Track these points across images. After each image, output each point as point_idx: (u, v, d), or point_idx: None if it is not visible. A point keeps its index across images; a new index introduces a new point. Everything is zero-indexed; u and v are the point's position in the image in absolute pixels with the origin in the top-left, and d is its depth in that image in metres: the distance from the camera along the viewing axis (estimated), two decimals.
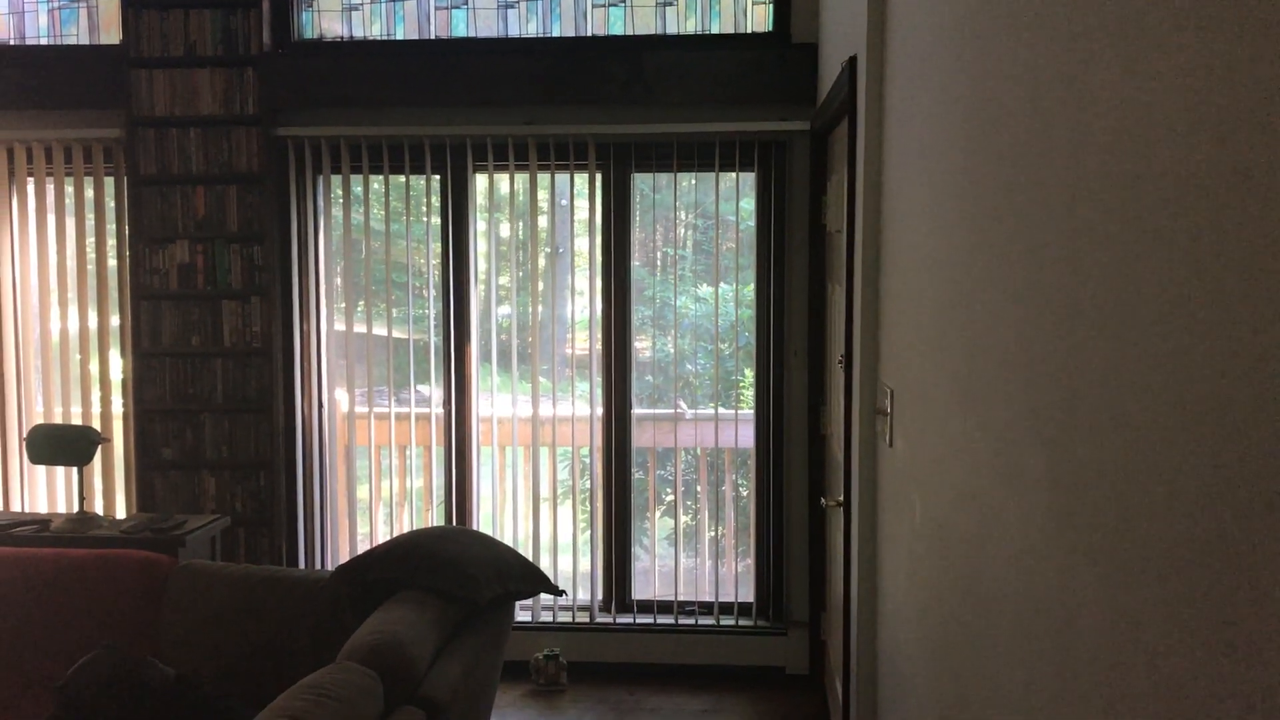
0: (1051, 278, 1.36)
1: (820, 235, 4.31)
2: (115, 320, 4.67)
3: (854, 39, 3.12)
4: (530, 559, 3.79)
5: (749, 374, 4.70)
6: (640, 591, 4.75)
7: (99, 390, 4.70)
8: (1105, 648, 1.17)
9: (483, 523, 4.73)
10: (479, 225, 4.63)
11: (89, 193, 4.65)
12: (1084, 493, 1.23)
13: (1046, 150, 1.39)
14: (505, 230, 4.66)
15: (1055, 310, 1.34)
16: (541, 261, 4.60)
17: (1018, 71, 1.54)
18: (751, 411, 4.64)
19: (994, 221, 1.65)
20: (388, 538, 4.71)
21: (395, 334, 4.71)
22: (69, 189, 4.66)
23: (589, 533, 4.69)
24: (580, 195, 4.69)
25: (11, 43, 4.64)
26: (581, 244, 4.76)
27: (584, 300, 4.71)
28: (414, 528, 4.76)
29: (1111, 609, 1.15)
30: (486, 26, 4.50)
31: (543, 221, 4.60)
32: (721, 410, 4.60)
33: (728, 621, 4.61)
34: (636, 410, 4.67)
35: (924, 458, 2.18)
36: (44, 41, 4.64)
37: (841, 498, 3.38)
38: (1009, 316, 1.55)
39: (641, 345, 4.77)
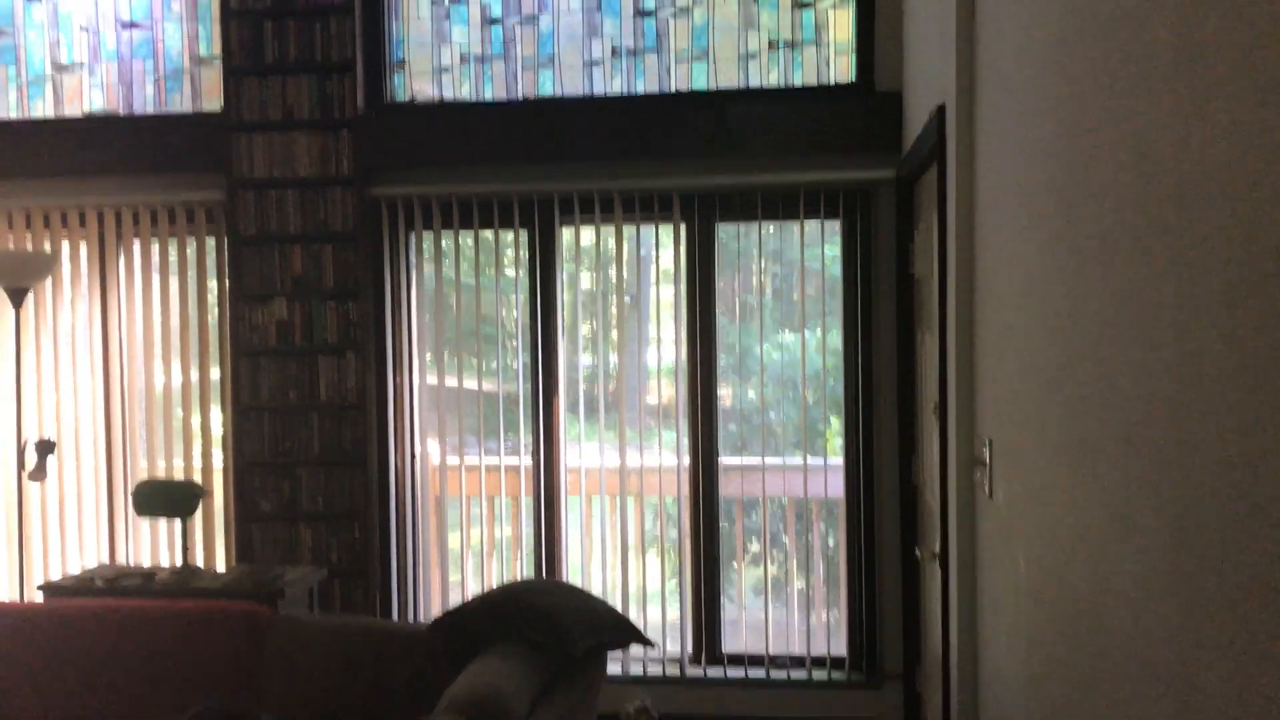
0: (1163, 324, 1.34)
1: (908, 282, 4.29)
2: (215, 374, 4.81)
3: (941, 87, 3.12)
4: (619, 609, 3.79)
5: (835, 422, 4.67)
6: (729, 643, 4.71)
7: (200, 444, 4.84)
8: (1230, 714, 1.13)
9: (571, 572, 4.75)
10: (563, 276, 4.70)
11: (191, 252, 4.82)
12: (1206, 549, 1.21)
13: (1149, 196, 1.37)
14: (586, 281, 4.72)
15: (1168, 357, 1.32)
16: (618, 310, 4.64)
17: (1117, 118, 1.53)
18: (839, 460, 4.59)
19: (1098, 268, 1.63)
20: (478, 587, 4.76)
21: (484, 386, 4.78)
22: (173, 249, 4.83)
23: (675, 582, 4.67)
24: (663, 245, 4.73)
25: (121, 113, 4.85)
26: (660, 292, 4.78)
27: (663, 348, 4.72)
28: (503, 577, 4.79)
29: (1238, 672, 1.12)
30: (572, 85, 4.59)
31: (622, 270, 4.66)
32: (810, 460, 4.57)
33: (820, 675, 4.54)
34: (723, 459, 4.66)
35: (1028, 510, 2.14)
36: (150, 111, 4.85)
37: (938, 549, 3.32)
38: (1120, 365, 1.53)
39: (723, 393, 4.77)
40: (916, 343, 4.15)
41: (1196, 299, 1.23)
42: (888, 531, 4.45)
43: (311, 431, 4.60)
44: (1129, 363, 1.48)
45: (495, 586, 3.31)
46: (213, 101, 4.78)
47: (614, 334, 4.67)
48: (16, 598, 4.70)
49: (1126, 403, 1.49)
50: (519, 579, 4.78)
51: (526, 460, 4.72)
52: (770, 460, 4.62)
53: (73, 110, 4.90)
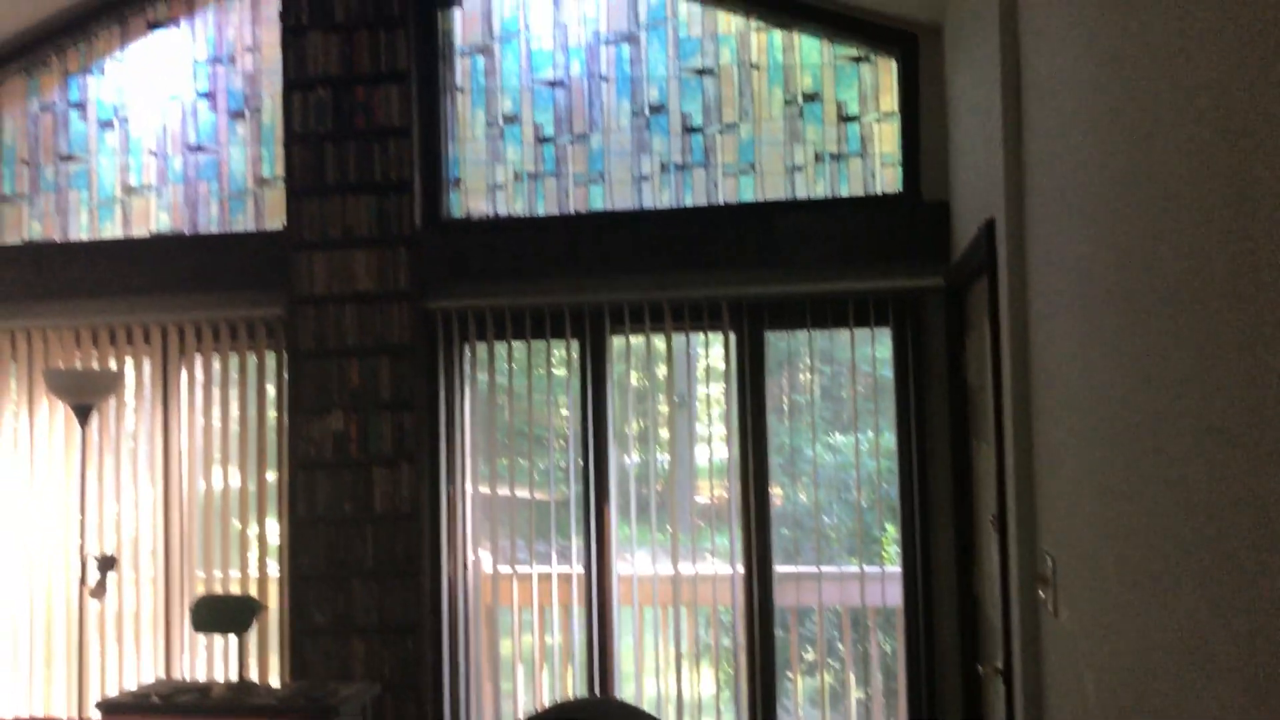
0: (1231, 443, 1.33)
1: (962, 389, 4.27)
2: (272, 479, 4.87)
3: (990, 200, 3.15)
4: None
5: (890, 529, 4.62)
6: None
7: (257, 554, 4.88)
8: None
9: (623, 681, 4.69)
10: (613, 380, 4.74)
11: (251, 365, 4.93)
12: None
13: (1206, 308, 1.38)
14: (635, 381, 4.76)
15: (1236, 475, 1.31)
16: (669, 410, 4.67)
17: (1169, 230, 1.54)
18: (896, 569, 4.53)
19: (1158, 381, 1.63)
20: (529, 699, 4.71)
21: (536, 495, 4.80)
22: (233, 363, 4.94)
23: (729, 693, 4.59)
24: (711, 343, 4.76)
25: (186, 233, 5.03)
26: (706, 391, 4.81)
27: (711, 449, 4.72)
28: (554, 687, 4.74)
29: None
30: (622, 199, 4.69)
31: (666, 371, 4.70)
32: (866, 568, 4.51)
33: None
34: (778, 567, 4.61)
35: (1095, 633, 2.10)
36: (215, 230, 5.01)
37: (1000, 665, 3.25)
38: (1185, 481, 1.51)
39: (775, 493, 4.73)
40: (972, 450, 4.12)
41: (1266, 410, 1.22)
42: (948, 643, 4.36)
43: (366, 543, 4.63)
44: (1195, 480, 1.47)
45: (547, 707, 3.27)
46: (275, 220, 4.94)
47: (664, 432, 4.69)
48: (75, 716, 4.72)
49: (1199, 523, 1.47)
50: (570, 693, 4.73)
51: (578, 568, 4.71)
52: (826, 569, 4.57)
53: (140, 231, 5.08)
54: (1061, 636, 2.45)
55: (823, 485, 4.62)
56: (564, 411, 4.77)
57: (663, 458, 4.78)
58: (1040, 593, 2.67)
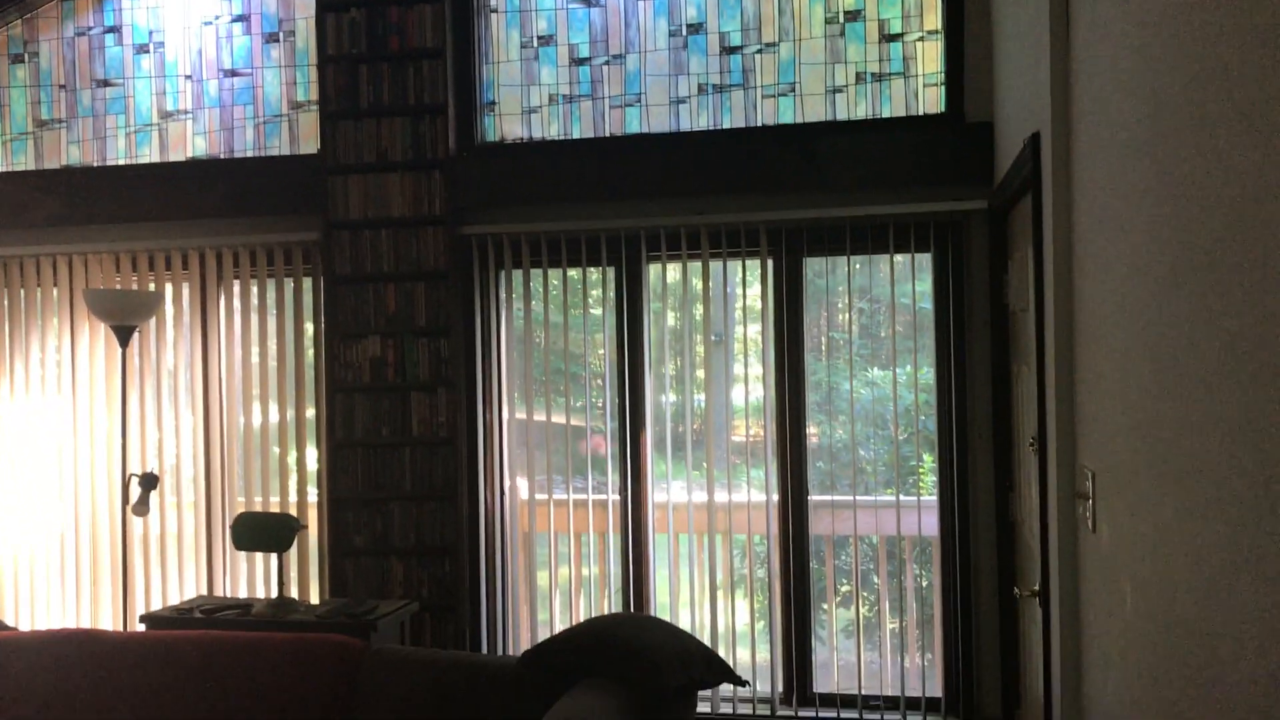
0: (1277, 348, 1.28)
1: (1003, 315, 4.20)
2: (310, 412, 4.91)
3: (1036, 115, 3.07)
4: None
5: (928, 459, 4.58)
6: (820, 684, 4.62)
7: (296, 479, 4.93)
8: None
9: (659, 610, 4.71)
10: (650, 313, 4.70)
11: (289, 291, 4.94)
12: None
13: (1258, 217, 1.32)
14: (672, 319, 4.73)
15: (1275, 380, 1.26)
16: (705, 348, 4.63)
17: (1220, 145, 1.48)
18: (932, 498, 4.50)
19: (1205, 293, 1.57)
20: (566, 623, 4.75)
21: (573, 422, 4.80)
22: (271, 289, 4.96)
23: (764, 622, 4.61)
24: (749, 283, 4.70)
25: (221, 157, 5.03)
26: (743, 330, 4.75)
27: (750, 385, 4.69)
28: (590, 614, 4.77)
29: None
30: (659, 122, 4.63)
31: (709, 308, 4.65)
32: (903, 497, 4.48)
33: (914, 718, 4.42)
34: (813, 497, 4.59)
35: (1135, 543, 2.06)
36: (250, 154, 5.01)
37: (1037, 587, 3.23)
38: (1233, 389, 1.47)
39: (811, 430, 4.71)
40: (1013, 376, 4.06)
41: None
42: (985, 570, 4.34)
43: (403, 467, 4.66)
44: (1241, 385, 1.42)
45: (585, 620, 3.29)
46: (310, 144, 4.92)
47: (699, 373, 4.66)
48: (120, 628, 4.83)
49: (1240, 428, 1.43)
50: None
51: (614, 496, 4.72)
52: (862, 498, 4.55)
53: (177, 156, 5.08)
54: (1100, 551, 2.41)
55: (859, 420, 4.57)
56: (600, 350, 4.74)
57: (699, 397, 4.75)
58: (1080, 510, 2.63)
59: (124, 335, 4.61)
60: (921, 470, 4.62)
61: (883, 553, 4.69)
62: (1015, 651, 4.12)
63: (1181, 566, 1.74)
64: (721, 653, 4.59)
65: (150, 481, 4.47)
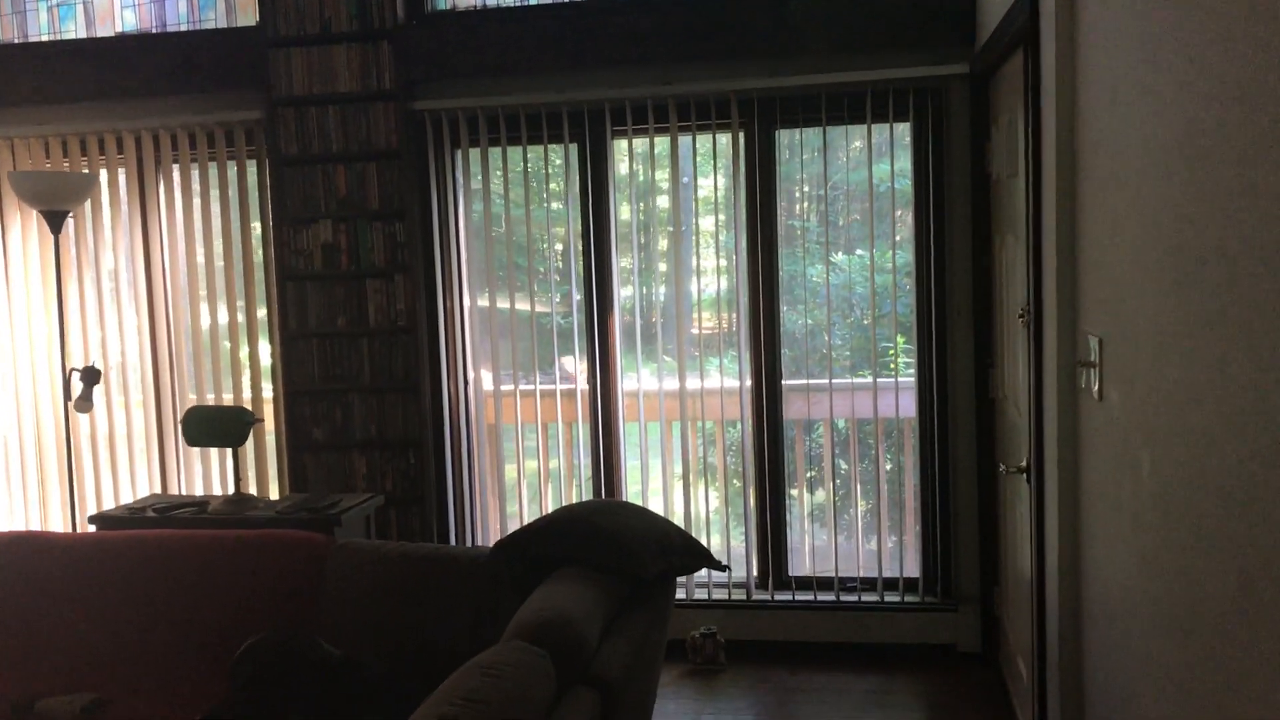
0: None
1: (984, 184, 4.04)
2: (262, 308, 4.67)
3: None
4: None
5: (900, 340, 4.45)
6: (795, 568, 4.56)
7: (249, 375, 4.72)
8: None
9: (631, 499, 4.60)
10: (615, 196, 4.49)
11: (232, 175, 4.66)
12: None
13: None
14: (631, 209, 4.52)
15: None
16: (665, 243, 4.44)
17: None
18: (909, 379, 4.38)
19: (1224, 148, 1.40)
20: (535, 515, 4.63)
21: (538, 308, 4.61)
22: (213, 173, 4.67)
23: (740, 509, 4.52)
24: (709, 168, 4.48)
25: (153, 31, 4.68)
26: (707, 223, 4.54)
27: (710, 278, 4.51)
28: (559, 503, 4.66)
29: None
30: None
31: (665, 201, 4.45)
32: (880, 380, 4.35)
33: (892, 598, 4.38)
34: (787, 381, 4.47)
35: (1154, 407, 1.93)
36: (184, 28, 4.66)
37: (1024, 463, 3.13)
38: (1262, 230, 1.31)
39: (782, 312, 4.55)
40: (995, 248, 3.91)
41: None
42: (962, 450, 4.25)
43: (362, 357, 4.47)
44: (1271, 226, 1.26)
45: (559, 508, 3.15)
46: (248, 15, 4.59)
47: (663, 243, 4.47)
48: (68, 529, 4.64)
49: (1265, 287, 1.28)
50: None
51: (583, 386, 4.56)
52: (838, 381, 4.42)
53: (105, 31, 4.73)
54: (1108, 419, 2.29)
55: (827, 305, 4.40)
56: (566, 220, 4.52)
57: (663, 290, 4.57)
58: (1081, 379, 2.50)
59: (56, 221, 4.31)
60: (892, 352, 4.49)
61: (854, 436, 4.58)
62: (994, 531, 4.06)
63: (1209, 429, 1.61)
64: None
65: (92, 376, 4.23)
